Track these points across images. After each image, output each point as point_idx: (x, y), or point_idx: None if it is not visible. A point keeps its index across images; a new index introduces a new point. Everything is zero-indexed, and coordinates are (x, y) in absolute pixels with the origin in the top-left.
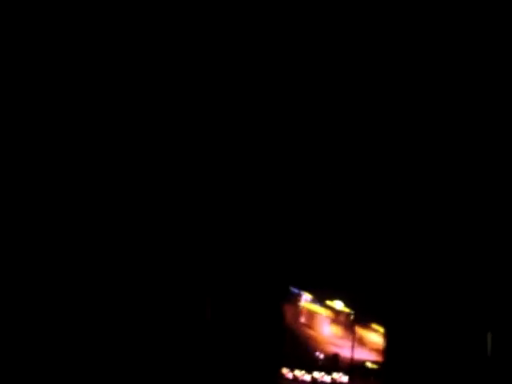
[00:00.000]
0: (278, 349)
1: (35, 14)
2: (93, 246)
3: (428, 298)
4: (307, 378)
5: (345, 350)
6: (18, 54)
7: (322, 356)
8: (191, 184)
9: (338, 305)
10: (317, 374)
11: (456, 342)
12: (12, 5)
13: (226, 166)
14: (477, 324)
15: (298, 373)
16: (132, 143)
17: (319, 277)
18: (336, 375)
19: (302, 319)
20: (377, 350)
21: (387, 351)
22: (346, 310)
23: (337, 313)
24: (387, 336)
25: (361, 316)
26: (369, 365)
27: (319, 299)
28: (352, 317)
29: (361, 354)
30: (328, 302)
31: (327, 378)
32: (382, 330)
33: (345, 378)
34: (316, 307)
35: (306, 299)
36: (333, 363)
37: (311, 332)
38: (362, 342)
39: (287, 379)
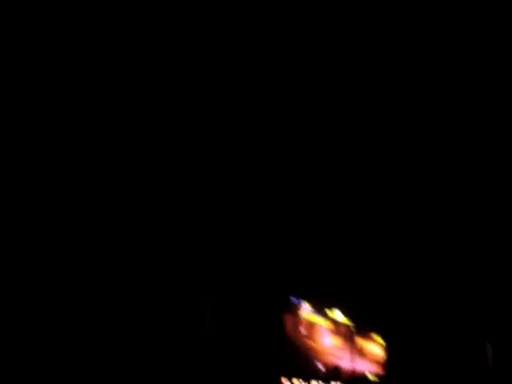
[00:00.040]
0: (278, 359)
1: (35, 13)
2: (92, 246)
3: (428, 309)
4: None
5: (345, 362)
6: (18, 54)
7: (322, 367)
8: (191, 196)
9: (339, 316)
10: None
11: (457, 354)
12: (12, 5)
13: (228, 175)
14: (478, 335)
15: (298, 383)
16: (132, 143)
17: (319, 285)
18: None
19: (302, 330)
20: (377, 362)
21: (388, 363)
22: (347, 321)
23: (337, 324)
24: (388, 348)
25: (361, 327)
26: (369, 376)
27: (318, 309)
28: (352, 328)
29: (361, 366)
30: (328, 313)
31: None
32: (382, 341)
33: None
34: (316, 318)
35: (305, 309)
36: (333, 374)
37: (311, 343)
38: (362, 354)
39: None
